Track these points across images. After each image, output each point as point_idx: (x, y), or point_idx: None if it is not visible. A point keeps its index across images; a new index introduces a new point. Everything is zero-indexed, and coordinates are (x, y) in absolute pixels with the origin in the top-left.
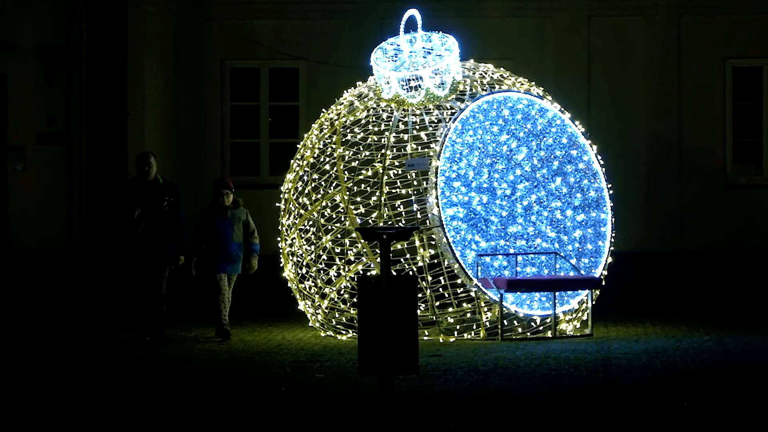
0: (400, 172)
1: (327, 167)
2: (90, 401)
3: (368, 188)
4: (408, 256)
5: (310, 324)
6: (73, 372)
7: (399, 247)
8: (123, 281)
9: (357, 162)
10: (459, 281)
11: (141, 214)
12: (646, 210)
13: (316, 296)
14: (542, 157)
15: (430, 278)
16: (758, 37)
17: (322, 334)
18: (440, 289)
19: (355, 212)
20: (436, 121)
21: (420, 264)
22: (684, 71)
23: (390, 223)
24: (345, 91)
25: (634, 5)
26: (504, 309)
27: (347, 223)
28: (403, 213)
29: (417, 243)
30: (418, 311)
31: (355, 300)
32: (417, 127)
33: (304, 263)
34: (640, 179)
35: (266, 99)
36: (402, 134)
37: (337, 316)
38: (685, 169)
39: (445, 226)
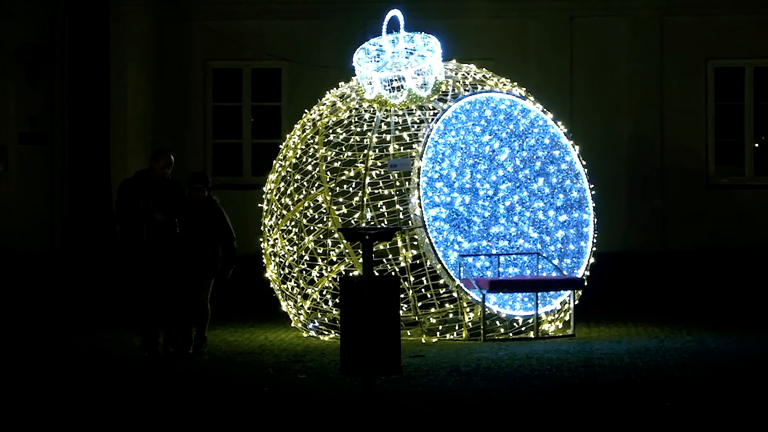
0: (382, 172)
1: (309, 168)
2: (71, 401)
3: (351, 189)
4: (390, 256)
5: (292, 325)
6: (55, 372)
7: (381, 247)
8: (140, 281)
9: (339, 162)
10: (441, 282)
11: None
12: (629, 210)
13: (299, 297)
14: (525, 157)
15: (412, 279)
16: (740, 38)
17: (305, 335)
18: (423, 290)
19: (337, 213)
20: (418, 121)
21: (402, 264)
22: (666, 72)
23: (372, 223)
24: (327, 92)
25: (616, 6)
26: (486, 309)
27: (329, 223)
28: (386, 213)
29: (399, 243)
30: (401, 312)
31: (337, 300)
32: (399, 127)
33: (287, 264)
34: (623, 180)
35: (249, 99)
36: (384, 135)
37: (319, 316)
38: (667, 170)
39: (427, 226)
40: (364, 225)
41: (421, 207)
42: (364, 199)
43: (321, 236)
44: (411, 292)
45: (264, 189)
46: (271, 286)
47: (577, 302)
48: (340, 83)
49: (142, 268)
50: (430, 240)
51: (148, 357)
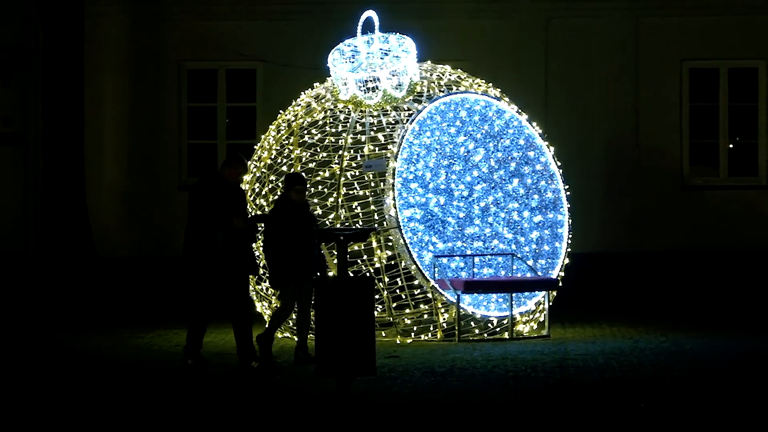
0: (357, 173)
1: (284, 168)
2: (46, 401)
3: (325, 189)
4: (365, 257)
5: (266, 326)
6: (28, 372)
7: (356, 248)
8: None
9: (314, 163)
10: (416, 282)
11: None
12: (603, 211)
13: (273, 298)
14: (499, 158)
15: (387, 279)
16: (714, 39)
17: (279, 336)
18: (397, 290)
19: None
20: (393, 122)
21: (377, 265)
22: (641, 73)
23: (347, 224)
24: (302, 93)
25: (591, 7)
26: (461, 310)
27: None
28: (361, 214)
29: (374, 244)
30: (375, 312)
31: (312, 301)
32: (374, 128)
33: (261, 265)
34: (597, 180)
35: (223, 100)
36: (359, 135)
37: (294, 317)
38: (641, 171)
39: (402, 227)
40: (338, 225)
41: (395, 208)
42: (339, 200)
43: None
44: (386, 292)
45: None
46: None
47: (551, 303)
48: (315, 84)
49: (219, 275)
50: (404, 241)
51: (192, 365)
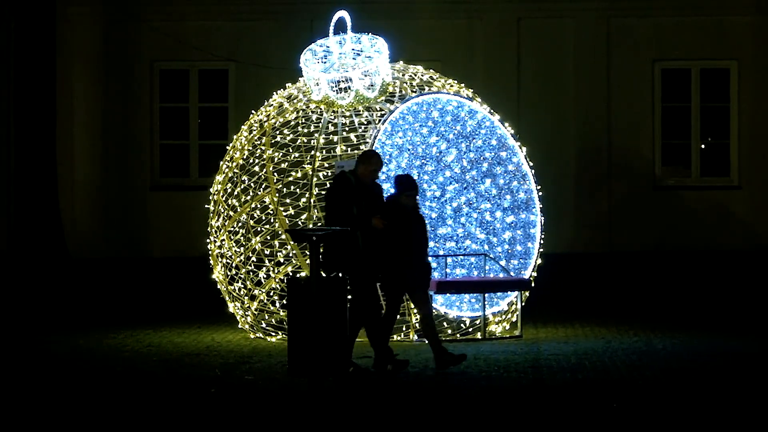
0: (329, 173)
1: (256, 169)
2: (18, 402)
3: (298, 190)
4: None
5: (239, 326)
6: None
7: None
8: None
9: (286, 164)
10: None
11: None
12: (576, 211)
13: (246, 298)
14: (472, 158)
15: None
16: (686, 40)
17: (252, 336)
18: None
19: (284, 214)
20: (365, 122)
21: None
22: (613, 73)
23: (319, 224)
24: (274, 93)
25: (563, 8)
26: (434, 310)
27: (277, 224)
28: None
29: None
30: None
31: (284, 302)
32: (346, 128)
33: (234, 265)
34: (570, 181)
35: (195, 100)
36: (331, 136)
37: (266, 317)
38: (614, 171)
39: None
40: (311, 226)
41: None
42: (311, 201)
43: (268, 237)
44: None
45: (211, 190)
46: (218, 287)
47: (524, 303)
48: (287, 84)
49: (361, 277)
50: None
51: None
